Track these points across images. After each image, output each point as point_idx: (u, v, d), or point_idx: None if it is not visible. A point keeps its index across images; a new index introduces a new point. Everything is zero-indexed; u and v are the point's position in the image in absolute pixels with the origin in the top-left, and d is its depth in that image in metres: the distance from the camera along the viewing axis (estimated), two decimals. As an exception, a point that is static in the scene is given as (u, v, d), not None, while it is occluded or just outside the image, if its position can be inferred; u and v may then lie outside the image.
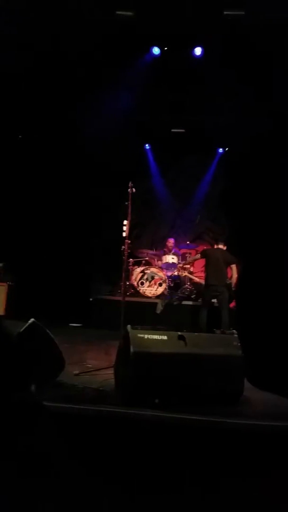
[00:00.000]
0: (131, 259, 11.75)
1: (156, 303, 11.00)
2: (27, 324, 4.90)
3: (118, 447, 3.54)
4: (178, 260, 12.52)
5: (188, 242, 13.17)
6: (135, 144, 13.35)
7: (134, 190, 7.51)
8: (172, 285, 11.97)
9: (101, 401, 5.10)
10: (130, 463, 3.40)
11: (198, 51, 9.80)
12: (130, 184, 7.48)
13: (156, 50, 9.89)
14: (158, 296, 11.49)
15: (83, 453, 3.45)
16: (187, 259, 12.43)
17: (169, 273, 12.15)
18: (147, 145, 14.15)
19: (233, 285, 9.87)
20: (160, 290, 11.57)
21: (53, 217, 11.32)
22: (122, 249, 7.49)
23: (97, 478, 3.24)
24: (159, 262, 12.54)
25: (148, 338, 5.19)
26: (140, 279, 11.61)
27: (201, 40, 9.62)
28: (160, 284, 11.59)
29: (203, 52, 9.79)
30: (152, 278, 11.61)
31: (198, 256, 10.69)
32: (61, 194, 11.33)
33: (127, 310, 7.22)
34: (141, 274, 11.65)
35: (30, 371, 4.67)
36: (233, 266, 9.91)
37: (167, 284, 11.71)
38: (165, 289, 11.61)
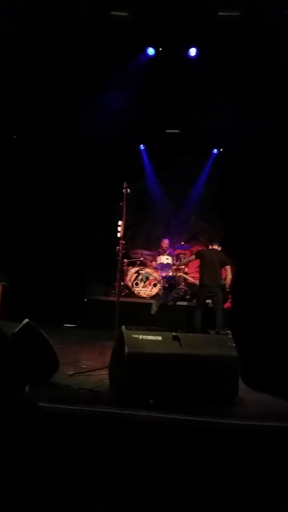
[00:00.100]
0: (125, 260, 11.75)
1: (150, 304, 11.00)
2: (21, 325, 4.89)
3: (113, 448, 3.54)
4: (173, 260, 12.53)
5: (182, 243, 13.17)
6: (129, 145, 13.35)
7: (129, 190, 7.50)
8: (166, 285, 11.98)
9: (96, 402, 5.09)
10: (125, 463, 3.40)
11: (192, 51, 9.80)
12: (125, 184, 7.47)
13: (151, 51, 9.89)
14: (152, 297, 11.49)
15: (78, 453, 3.45)
16: (182, 260, 12.43)
17: (164, 274, 12.16)
18: (141, 145, 14.14)
19: (227, 286, 9.88)
20: (155, 290, 11.58)
21: (47, 217, 11.31)
22: (116, 250, 7.48)
23: (92, 478, 3.24)
24: (154, 262, 12.55)
25: (142, 338, 5.18)
26: (134, 280, 11.62)
27: (195, 40, 9.63)
28: (155, 285, 11.60)
29: (198, 52, 9.79)
30: (147, 278, 11.61)
31: (193, 257, 10.68)
32: (56, 195, 11.32)
33: (122, 310, 7.22)
34: (136, 274, 11.65)
35: (25, 372, 4.67)
36: (228, 267, 9.92)
37: (162, 284, 11.72)
38: (160, 289, 11.62)
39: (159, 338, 5.27)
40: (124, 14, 8.52)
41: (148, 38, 9.65)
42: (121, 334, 5.21)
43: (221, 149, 13.69)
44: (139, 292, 11.54)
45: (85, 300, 11.33)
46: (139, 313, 10.57)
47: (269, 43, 8.43)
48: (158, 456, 3.49)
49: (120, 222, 7.48)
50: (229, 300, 10.37)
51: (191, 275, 12.32)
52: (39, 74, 9.41)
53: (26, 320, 4.98)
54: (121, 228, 7.47)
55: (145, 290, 11.56)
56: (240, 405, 5.28)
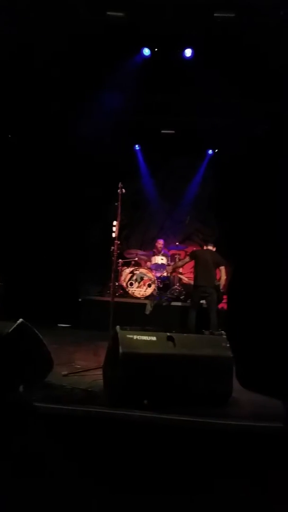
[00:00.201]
0: (120, 260, 11.75)
1: (145, 304, 11.00)
2: (16, 325, 4.89)
3: (107, 448, 3.54)
4: (167, 261, 12.55)
5: (177, 243, 13.17)
6: (125, 145, 13.35)
7: (124, 190, 7.50)
8: (161, 286, 11.98)
9: (90, 402, 5.09)
10: (119, 464, 3.40)
11: (188, 52, 9.81)
12: (120, 184, 7.47)
13: (146, 51, 9.89)
14: (147, 297, 11.50)
15: (72, 453, 3.45)
16: (177, 261, 12.44)
17: (158, 274, 12.16)
18: (137, 146, 14.15)
19: (221, 286, 9.89)
20: (149, 291, 11.58)
21: (42, 217, 11.30)
22: (111, 250, 7.48)
23: (86, 478, 3.24)
24: (148, 263, 12.55)
25: (137, 339, 5.18)
26: (129, 280, 11.62)
27: (191, 41, 9.63)
28: (149, 285, 11.60)
29: (193, 53, 9.80)
30: (141, 279, 11.62)
31: (187, 259, 10.66)
32: (51, 195, 11.31)
33: (116, 311, 7.21)
34: (130, 275, 11.66)
35: (19, 372, 4.66)
36: (222, 268, 9.94)
37: (156, 285, 11.72)
38: (154, 290, 11.62)
39: (154, 338, 5.28)
40: (120, 14, 8.52)
41: (143, 39, 9.66)
42: (115, 334, 5.21)
43: (216, 150, 13.70)
44: (133, 292, 11.54)
45: (80, 300, 11.33)
46: (133, 313, 10.58)
47: (264, 44, 8.44)
48: (153, 457, 3.50)
49: (115, 222, 7.47)
50: (224, 301, 10.39)
51: (186, 275, 12.35)
52: (34, 74, 9.40)
53: (21, 320, 4.98)
54: (116, 228, 7.47)
55: (140, 291, 11.57)
56: (235, 406, 5.29)
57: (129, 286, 11.57)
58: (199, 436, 3.84)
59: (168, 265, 12.41)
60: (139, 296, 11.53)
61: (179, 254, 12.83)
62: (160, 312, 10.88)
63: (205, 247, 10.45)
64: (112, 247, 7.46)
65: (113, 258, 7.51)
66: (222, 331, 6.00)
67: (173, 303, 11.34)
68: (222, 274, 9.95)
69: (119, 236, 7.63)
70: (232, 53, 8.94)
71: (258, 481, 3.26)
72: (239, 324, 1.58)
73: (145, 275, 11.66)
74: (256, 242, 1.59)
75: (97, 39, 8.94)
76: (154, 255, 12.63)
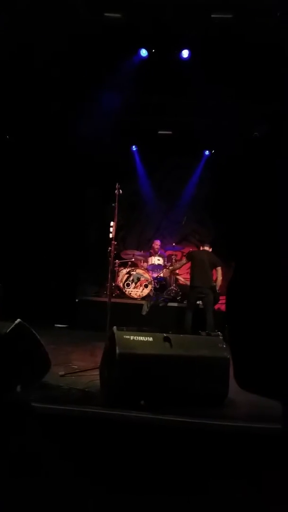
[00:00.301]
0: (117, 261, 11.76)
1: (141, 305, 11.00)
2: (13, 325, 4.90)
3: (104, 449, 3.55)
4: (164, 261, 12.55)
5: (174, 244, 13.17)
6: (122, 146, 13.36)
7: (121, 191, 7.52)
8: (157, 286, 12.00)
9: (87, 402, 5.11)
10: (116, 464, 3.42)
11: (185, 53, 9.82)
12: (117, 185, 7.48)
13: (144, 52, 9.90)
14: (144, 298, 11.50)
15: (69, 454, 3.46)
16: (173, 261, 12.45)
17: (155, 275, 12.17)
18: (134, 146, 14.15)
19: (218, 287, 9.90)
20: (146, 291, 11.59)
21: (39, 217, 11.29)
22: (108, 250, 7.49)
23: (82, 479, 3.25)
24: (145, 263, 12.56)
25: (134, 339, 5.20)
26: (126, 281, 11.63)
27: (188, 42, 9.64)
28: (146, 286, 11.61)
29: (190, 54, 9.81)
30: (138, 279, 11.62)
31: (184, 260, 10.65)
32: (48, 195, 11.31)
33: (113, 311, 7.22)
34: (127, 275, 11.66)
35: (16, 372, 4.67)
36: (218, 269, 9.95)
37: (153, 285, 11.73)
38: (151, 290, 11.63)
39: (150, 339, 5.29)
40: (118, 15, 8.53)
41: (141, 40, 9.66)
42: (112, 334, 5.23)
43: (213, 151, 13.71)
44: (130, 293, 11.55)
45: (77, 300, 11.34)
46: (130, 314, 10.58)
47: (262, 45, 8.45)
48: (149, 457, 3.51)
49: (112, 223, 7.49)
50: (220, 302, 10.41)
51: (182, 276, 12.36)
52: (33, 74, 9.40)
53: (18, 320, 4.98)
54: (113, 229, 7.48)
55: (136, 291, 11.57)
56: (231, 407, 5.31)
57: (125, 286, 11.58)
58: (196, 437, 3.86)
59: (165, 265, 12.42)
60: (135, 296, 11.54)
61: (175, 255, 12.83)
62: (157, 312, 10.88)
63: (201, 248, 10.45)
64: (109, 248, 7.47)
65: (110, 258, 7.53)
66: (219, 332, 6.02)
67: (170, 304, 11.35)
68: (218, 275, 9.96)
69: (116, 237, 7.65)
70: (229, 54, 8.94)
71: (255, 482, 3.28)
72: (238, 324, 1.60)
73: (142, 275, 11.67)
74: (254, 242, 1.61)
75: (95, 40, 8.94)
76: (150, 256, 12.63)
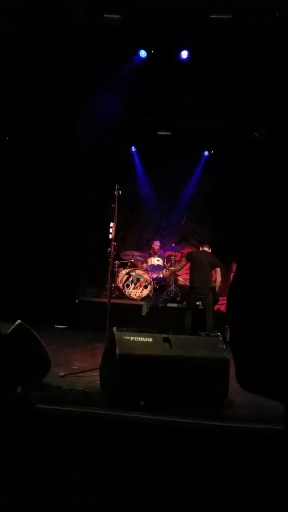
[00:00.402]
0: (116, 261, 11.77)
1: (141, 305, 11.01)
2: (14, 326, 4.91)
3: (104, 449, 3.56)
4: (163, 262, 12.55)
5: (173, 245, 13.15)
6: (121, 146, 13.37)
7: (120, 192, 7.52)
8: (157, 287, 11.99)
9: (87, 403, 5.12)
10: (115, 464, 3.42)
11: (184, 54, 9.82)
12: (116, 186, 7.49)
13: (143, 53, 9.90)
14: (143, 298, 11.50)
15: (69, 454, 3.47)
16: (172, 262, 12.46)
17: (155, 275, 12.18)
18: (133, 147, 14.15)
19: (217, 288, 9.90)
20: (146, 292, 11.59)
21: (39, 218, 11.29)
22: (108, 251, 7.50)
23: (82, 478, 3.26)
24: (145, 264, 12.56)
25: (133, 340, 5.21)
26: (125, 281, 11.63)
27: (187, 43, 9.65)
28: (146, 286, 11.62)
29: (190, 55, 9.82)
30: (138, 280, 11.63)
31: (184, 262, 10.61)
32: (47, 196, 11.31)
33: (113, 312, 7.23)
34: (127, 276, 11.67)
35: (17, 372, 4.68)
36: (218, 269, 9.94)
37: (152, 286, 11.73)
38: (150, 291, 11.63)
39: (150, 339, 5.30)
40: (117, 17, 8.53)
41: (140, 41, 9.67)
42: (112, 335, 5.24)
43: (212, 151, 13.71)
44: (130, 294, 11.56)
45: (76, 301, 11.34)
46: (129, 315, 10.59)
47: (261, 45, 8.46)
48: (149, 458, 3.52)
49: (111, 224, 7.49)
50: (219, 302, 10.41)
51: (182, 277, 12.36)
52: (32, 75, 9.40)
53: (19, 321, 4.99)
54: (113, 230, 7.49)
55: (136, 292, 11.58)
56: (231, 407, 5.31)
57: (125, 287, 11.59)
58: (196, 438, 3.87)
59: (164, 266, 12.42)
60: (135, 297, 11.54)
61: (175, 255, 12.84)
62: (156, 313, 10.89)
63: (201, 248, 10.44)
64: (109, 249, 7.47)
65: (109, 259, 7.53)
66: (218, 333, 6.03)
67: (169, 305, 11.35)
68: (217, 275, 9.95)
69: (115, 238, 7.65)
70: (228, 55, 8.95)
71: (255, 483, 3.28)
72: (240, 324, 1.60)
73: (141, 276, 11.68)
74: (252, 243, 1.62)
75: (94, 41, 8.95)
76: (150, 257, 12.63)
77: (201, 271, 9.68)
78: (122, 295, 11.63)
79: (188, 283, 10.31)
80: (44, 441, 3.54)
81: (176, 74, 9.94)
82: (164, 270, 12.34)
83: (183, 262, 10.72)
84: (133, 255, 12.62)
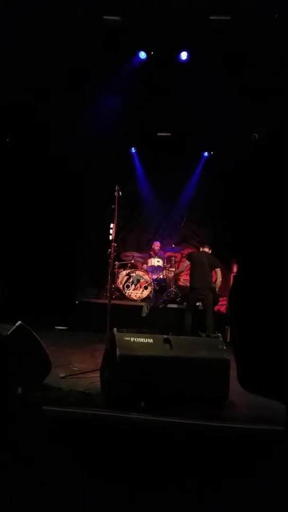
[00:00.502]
0: (117, 262, 11.77)
1: (141, 306, 11.01)
2: (14, 327, 4.91)
3: (104, 450, 3.56)
4: (164, 263, 12.55)
5: (173, 246, 13.15)
6: (121, 148, 13.37)
7: (120, 193, 7.52)
8: (157, 288, 11.98)
9: (87, 404, 5.12)
10: (115, 465, 3.43)
11: (184, 55, 9.83)
12: (116, 187, 7.49)
13: (142, 55, 9.92)
14: (143, 299, 11.51)
15: (69, 455, 3.47)
16: (172, 263, 12.47)
17: (155, 276, 12.18)
18: (133, 148, 14.16)
19: (217, 288, 9.89)
20: (146, 293, 11.60)
21: (39, 219, 11.29)
22: (108, 252, 7.50)
23: (83, 479, 3.26)
24: (145, 265, 12.57)
25: (134, 341, 5.21)
26: (125, 282, 11.64)
27: (187, 44, 9.66)
28: (146, 287, 11.63)
29: (189, 56, 9.83)
30: (138, 281, 11.64)
31: (186, 263, 10.55)
32: (48, 197, 11.30)
33: (113, 313, 7.23)
34: (127, 277, 11.68)
35: (17, 374, 4.69)
36: (218, 270, 9.93)
37: (153, 287, 11.73)
38: (151, 292, 11.64)
39: (150, 340, 5.30)
40: (116, 18, 8.55)
41: (139, 42, 9.68)
42: (112, 336, 5.24)
43: (212, 152, 13.72)
44: (130, 295, 11.57)
45: (77, 302, 11.35)
46: (130, 316, 10.59)
47: (260, 46, 8.47)
48: (149, 458, 3.52)
49: (112, 225, 7.49)
50: (220, 303, 10.41)
51: (182, 277, 12.36)
52: (32, 76, 9.41)
53: (19, 322, 4.99)
54: (113, 231, 7.49)
55: (136, 293, 11.59)
56: (232, 408, 5.32)
57: (125, 288, 11.60)
58: (196, 439, 3.87)
59: (164, 267, 12.43)
60: (135, 298, 11.55)
61: (175, 256, 12.83)
62: (157, 314, 10.89)
63: (201, 249, 10.44)
64: (109, 250, 7.48)
65: (109, 260, 7.54)
66: (219, 334, 6.03)
67: (169, 305, 11.36)
68: (218, 276, 9.94)
69: (115, 239, 7.65)
70: (228, 56, 8.97)
71: (256, 483, 3.29)
72: (241, 323, 1.61)
73: (142, 277, 11.69)
74: (252, 244, 1.62)
75: (94, 43, 8.96)
76: (150, 258, 12.63)
77: (201, 272, 9.67)
78: (122, 296, 11.63)
79: (188, 284, 10.31)
80: (45, 442, 3.55)
81: (176, 75, 9.94)
82: (165, 271, 12.35)
83: (186, 263, 10.68)
84: (133, 256, 12.62)
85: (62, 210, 11.44)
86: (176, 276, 12.03)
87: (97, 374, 5.84)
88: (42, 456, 3.39)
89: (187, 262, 10.20)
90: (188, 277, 10.38)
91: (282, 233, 1.52)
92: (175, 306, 11.34)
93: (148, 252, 13.11)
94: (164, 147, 13.09)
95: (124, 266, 12.28)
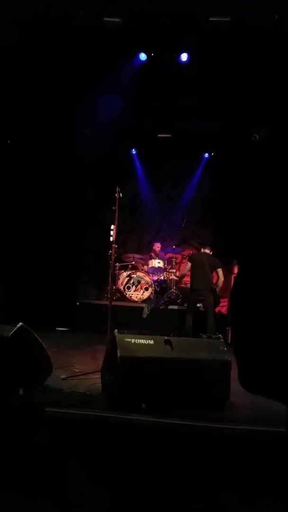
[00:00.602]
0: (117, 264, 11.77)
1: (142, 308, 11.00)
2: (16, 328, 4.91)
3: (105, 451, 3.56)
4: (164, 264, 12.55)
5: (174, 247, 13.15)
6: (121, 149, 13.38)
7: (121, 194, 7.53)
8: (158, 289, 11.98)
9: (88, 405, 5.12)
10: (116, 466, 3.43)
11: (184, 57, 9.84)
12: (117, 189, 7.49)
13: (143, 56, 9.92)
14: (144, 301, 11.51)
15: (70, 456, 3.47)
16: (173, 264, 12.47)
17: (155, 278, 12.18)
18: (133, 150, 14.17)
19: (218, 289, 9.88)
20: (146, 294, 11.60)
21: (40, 221, 11.28)
22: (109, 254, 7.50)
23: (84, 480, 3.26)
24: (145, 266, 12.57)
25: (135, 342, 5.22)
26: (126, 284, 11.64)
27: (187, 46, 9.66)
28: (146, 289, 11.62)
29: (189, 57, 9.83)
30: (139, 282, 11.64)
31: (189, 265, 10.51)
32: (48, 199, 11.30)
33: (114, 314, 7.24)
34: (128, 278, 11.68)
35: (19, 375, 4.69)
36: (219, 270, 9.91)
37: (153, 288, 11.73)
38: (151, 293, 11.63)
39: (151, 342, 5.31)
40: (117, 20, 8.55)
41: (140, 44, 9.69)
42: (113, 338, 5.25)
43: (212, 153, 13.72)
44: (130, 296, 11.57)
45: (78, 304, 11.34)
46: (130, 317, 10.58)
47: (260, 47, 8.47)
48: (149, 459, 3.52)
49: (112, 226, 7.50)
50: (221, 304, 10.40)
51: (183, 279, 12.36)
52: (32, 76, 9.41)
53: (20, 323, 5.00)
54: (114, 232, 7.50)
55: (137, 294, 11.59)
56: (233, 409, 5.32)
57: (126, 289, 11.60)
58: (197, 440, 3.87)
59: (165, 268, 12.44)
60: (136, 299, 11.55)
61: (175, 257, 12.84)
62: (157, 315, 10.88)
63: (202, 250, 10.43)
64: (110, 251, 7.48)
65: (110, 261, 7.54)
66: (220, 335, 6.03)
67: (170, 307, 11.36)
68: (219, 275, 9.90)
69: (116, 240, 7.66)
70: (228, 57, 8.97)
71: (257, 484, 3.29)
72: (242, 324, 1.61)
73: (142, 278, 11.69)
74: (255, 244, 1.62)
75: (94, 45, 8.97)
76: (151, 259, 12.64)
77: (202, 273, 9.67)
78: (123, 297, 11.63)
79: (189, 285, 10.31)
80: (46, 444, 3.55)
81: (176, 76, 9.95)
82: (165, 273, 12.35)
83: (188, 266, 10.63)
84: (134, 258, 12.63)
85: (63, 211, 11.43)
86: (180, 280, 12.02)
87: (98, 376, 5.85)
88: (43, 457, 3.39)
89: (189, 264, 10.18)
90: (188, 279, 10.38)
91: (283, 234, 1.52)
92: (175, 307, 11.34)
93: (148, 254, 13.11)
94: (165, 148, 13.10)
95: (125, 268, 12.29)
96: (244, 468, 3.46)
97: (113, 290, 9.95)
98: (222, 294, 10.16)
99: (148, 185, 14.32)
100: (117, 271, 11.86)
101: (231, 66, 9.15)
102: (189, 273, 10.13)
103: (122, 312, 10.31)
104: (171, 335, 5.53)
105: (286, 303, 1.43)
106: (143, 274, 11.85)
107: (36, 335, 5.15)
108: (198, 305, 9.89)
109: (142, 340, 5.28)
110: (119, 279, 11.83)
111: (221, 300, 10.25)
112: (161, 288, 12.08)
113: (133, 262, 12.45)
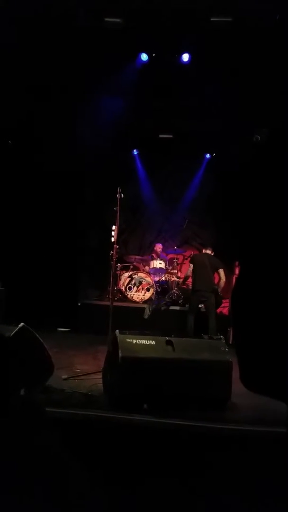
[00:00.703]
0: (119, 264, 11.77)
1: (143, 308, 10.99)
2: (17, 328, 4.91)
3: (106, 451, 3.56)
4: (166, 265, 12.55)
5: (175, 247, 13.16)
6: (123, 150, 13.38)
7: (122, 195, 7.53)
8: (159, 290, 11.98)
9: (90, 406, 5.12)
10: (118, 467, 3.43)
11: (185, 57, 9.84)
12: (118, 189, 7.49)
13: (144, 57, 9.93)
14: (145, 301, 11.50)
15: (71, 457, 3.47)
16: (174, 265, 12.46)
17: (157, 278, 12.18)
18: (135, 150, 14.17)
19: (220, 289, 9.87)
20: (148, 295, 11.59)
21: (41, 222, 11.28)
22: (110, 254, 7.50)
23: (84, 481, 3.26)
24: (147, 267, 12.57)
25: (136, 343, 5.21)
26: (128, 284, 11.63)
27: (188, 46, 9.66)
28: (148, 289, 11.62)
29: (191, 58, 9.83)
30: (140, 283, 11.63)
31: (191, 266, 10.47)
32: (49, 200, 11.30)
33: (115, 315, 7.23)
34: (129, 279, 11.67)
35: (20, 375, 4.69)
36: (220, 271, 9.90)
37: (155, 289, 11.73)
38: (153, 294, 11.63)
39: (153, 342, 5.30)
40: (118, 20, 8.55)
41: (141, 44, 9.69)
42: (115, 338, 5.25)
43: (214, 154, 13.71)
44: (132, 297, 11.56)
45: (79, 304, 11.34)
46: (132, 318, 10.57)
47: (261, 47, 8.46)
48: (151, 460, 3.52)
49: (114, 227, 7.49)
50: (222, 305, 10.39)
51: (186, 281, 12.35)
52: (33, 77, 9.41)
53: (22, 324, 5.00)
54: (115, 233, 7.49)
55: (138, 295, 11.58)
56: (234, 410, 5.31)
57: (127, 290, 11.59)
58: (198, 440, 3.87)
59: (166, 269, 12.44)
60: (137, 300, 11.55)
61: (177, 258, 12.84)
62: (159, 316, 10.87)
63: (203, 251, 10.42)
64: (111, 252, 7.48)
65: (112, 262, 7.54)
66: (221, 335, 6.02)
67: (172, 307, 11.35)
68: (221, 276, 9.87)
69: (117, 241, 7.65)
70: (229, 57, 8.97)
71: (256, 484, 3.29)
72: (243, 324, 1.61)
73: (144, 279, 11.68)
74: (257, 245, 1.62)
75: (95, 45, 8.97)
76: (152, 259, 12.64)
77: (203, 274, 9.66)
78: (125, 298, 11.63)
79: (190, 286, 10.30)
80: (46, 444, 3.54)
81: (177, 77, 9.95)
82: (167, 274, 12.35)
83: (190, 267, 10.59)
84: (135, 258, 12.63)
85: (64, 212, 11.43)
86: (184, 281, 12.00)
87: (100, 376, 5.85)
88: (44, 458, 3.38)
89: (191, 266, 10.16)
90: (190, 279, 10.38)
91: (284, 234, 1.52)
92: (177, 308, 11.34)
93: (150, 254, 13.11)
94: (166, 149, 13.10)
95: (126, 268, 12.29)
96: (245, 468, 3.46)
97: (115, 291, 9.96)
98: (224, 295, 10.14)
99: (150, 186, 14.33)
100: (119, 271, 11.86)
101: (232, 67, 9.16)
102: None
103: (124, 312, 10.30)
104: (173, 335, 5.53)
105: (286, 305, 1.43)
106: (145, 274, 11.85)
107: (37, 336, 5.15)
108: (199, 306, 9.88)
109: (144, 341, 5.28)
110: (120, 280, 11.82)
111: (223, 300, 10.24)
112: (162, 288, 12.08)
113: (135, 263, 12.46)
